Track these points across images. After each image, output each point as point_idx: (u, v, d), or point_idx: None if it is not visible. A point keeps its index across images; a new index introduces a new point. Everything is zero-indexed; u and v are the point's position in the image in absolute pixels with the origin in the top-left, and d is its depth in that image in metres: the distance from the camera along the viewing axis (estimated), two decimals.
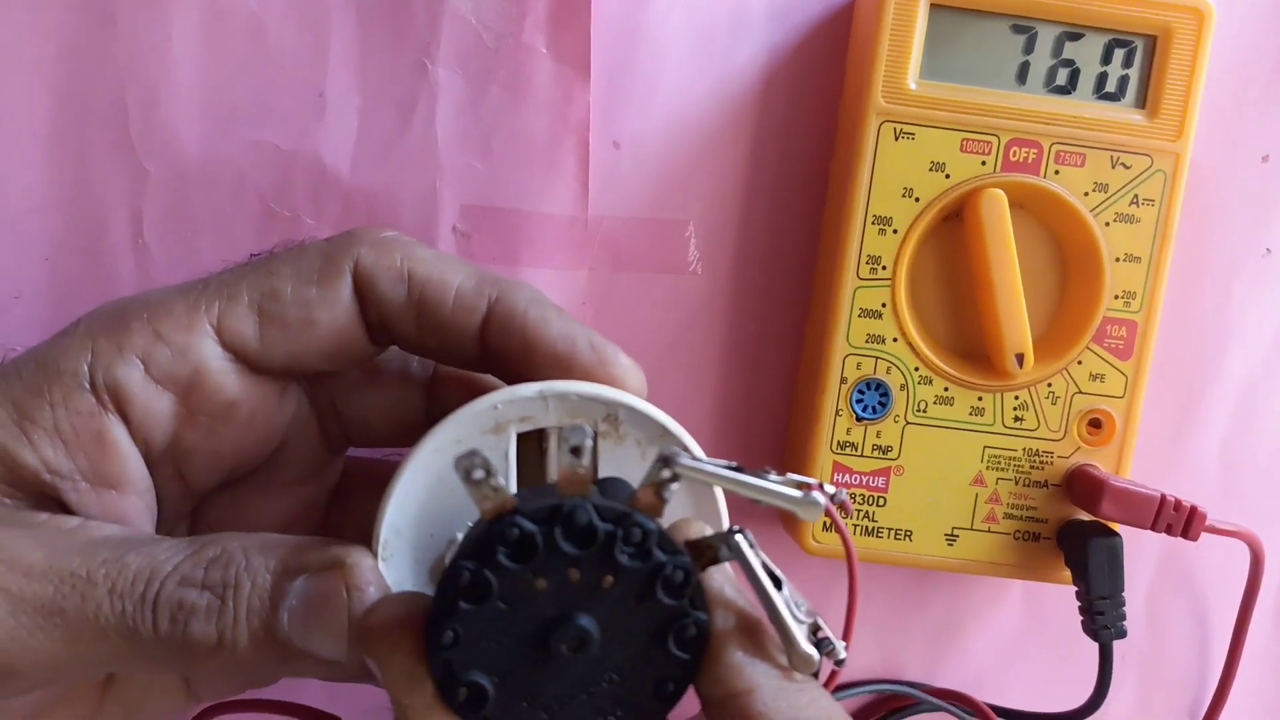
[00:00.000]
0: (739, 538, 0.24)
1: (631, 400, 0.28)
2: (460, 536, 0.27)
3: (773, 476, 0.25)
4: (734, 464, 0.25)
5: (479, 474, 0.23)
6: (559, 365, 0.28)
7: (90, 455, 0.27)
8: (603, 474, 0.28)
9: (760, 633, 0.25)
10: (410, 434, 0.31)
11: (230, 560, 0.26)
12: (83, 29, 0.35)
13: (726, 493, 0.26)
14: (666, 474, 0.24)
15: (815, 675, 0.25)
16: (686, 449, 0.28)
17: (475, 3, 0.36)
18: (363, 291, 0.28)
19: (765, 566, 0.25)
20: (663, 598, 0.24)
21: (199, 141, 0.36)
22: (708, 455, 0.26)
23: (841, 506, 0.25)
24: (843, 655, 0.25)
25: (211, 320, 0.28)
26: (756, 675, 0.24)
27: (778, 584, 0.24)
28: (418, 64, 0.36)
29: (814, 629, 0.25)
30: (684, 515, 0.27)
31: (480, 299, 0.29)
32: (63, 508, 0.27)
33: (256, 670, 0.28)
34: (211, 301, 0.28)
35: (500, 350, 0.29)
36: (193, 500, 0.31)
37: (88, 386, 0.27)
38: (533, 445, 0.28)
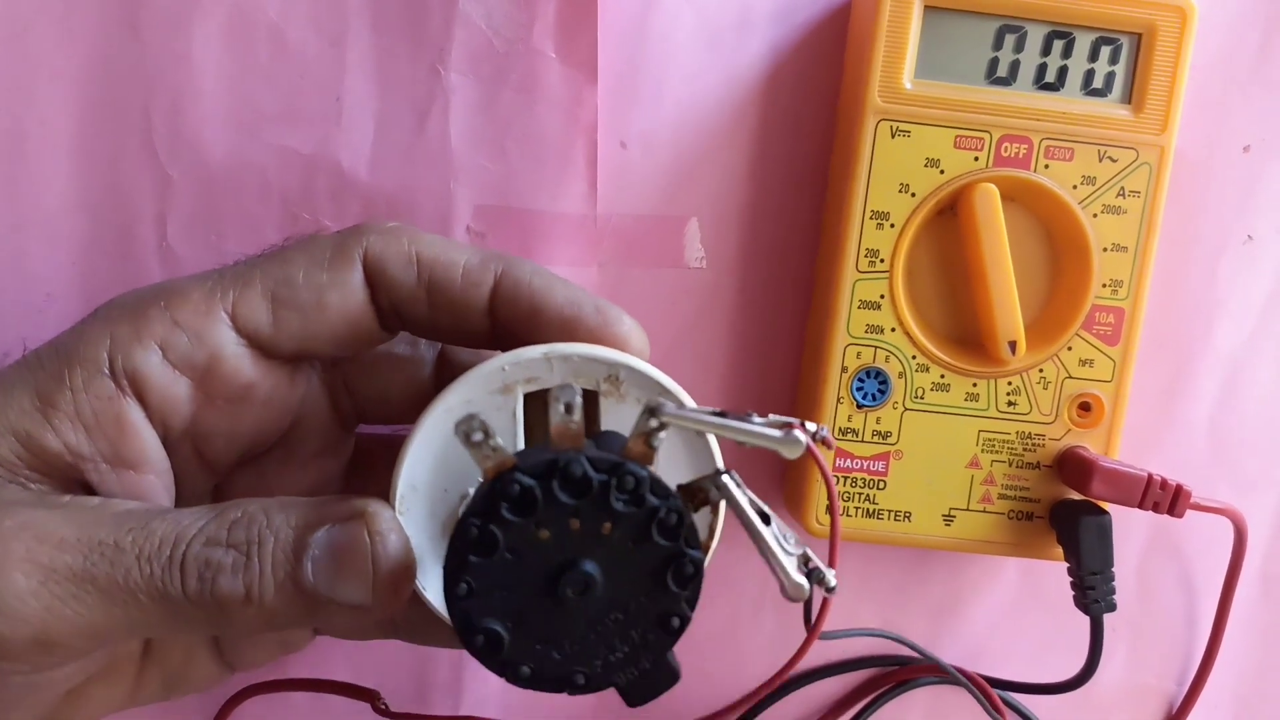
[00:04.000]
0: (725, 478, 0.25)
1: (631, 360, 0.28)
2: (472, 491, 0.27)
3: (756, 419, 0.25)
4: (718, 410, 0.26)
5: (478, 436, 0.24)
6: (565, 328, 0.29)
7: (110, 438, 0.28)
8: (606, 429, 0.29)
9: None
10: (420, 410, 0.33)
11: (252, 520, 0.26)
12: (109, 41, 0.36)
13: (718, 439, 0.27)
14: (654, 423, 0.24)
15: (808, 604, 0.26)
16: (680, 402, 0.28)
17: (487, 9, 0.37)
18: (373, 277, 0.29)
19: (753, 503, 0.25)
20: (659, 540, 0.25)
21: (221, 147, 0.37)
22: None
23: (823, 442, 0.25)
24: (833, 583, 0.25)
25: (226, 307, 0.28)
26: None
27: (765, 520, 0.25)
28: (431, 69, 0.37)
29: (804, 559, 0.26)
30: (681, 465, 0.28)
31: (487, 273, 0.29)
32: (86, 489, 0.28)
33: (285, 622, 0.28)
34: (227, 289, 0.28)
35: (509, 321, 0.29)
36: (213, 478, 0.31)
37: (107, 372, 0.27)
38: (540, 405, 0.29)
